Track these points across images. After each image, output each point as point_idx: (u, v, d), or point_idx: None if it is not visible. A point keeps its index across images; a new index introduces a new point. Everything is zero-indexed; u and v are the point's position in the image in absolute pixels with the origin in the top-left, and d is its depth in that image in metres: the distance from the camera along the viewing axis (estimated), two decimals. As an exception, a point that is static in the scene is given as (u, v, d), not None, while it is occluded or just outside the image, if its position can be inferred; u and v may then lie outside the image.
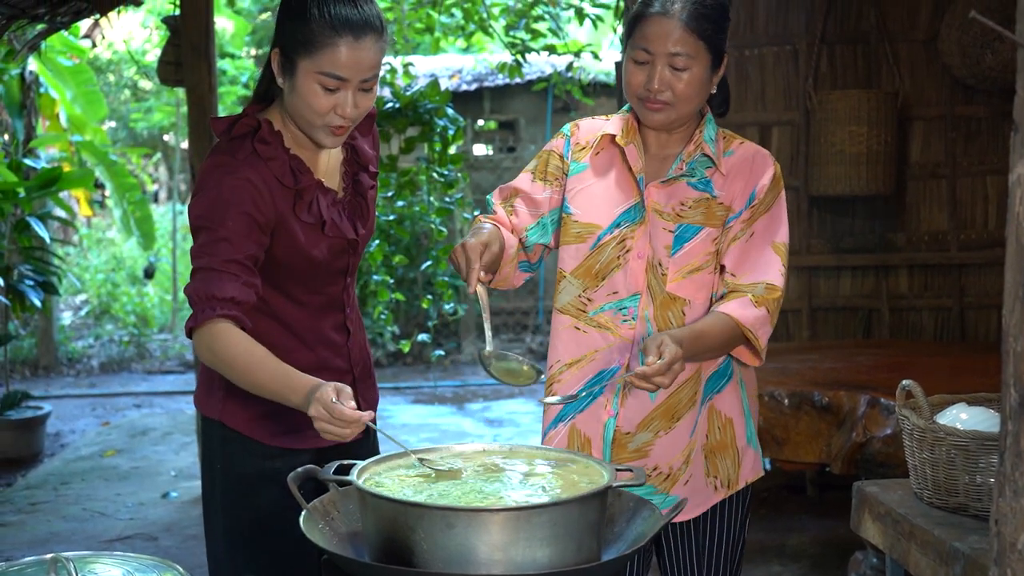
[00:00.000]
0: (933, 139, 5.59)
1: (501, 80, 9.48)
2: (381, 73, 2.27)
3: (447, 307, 6.15)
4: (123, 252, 12.17)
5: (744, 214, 2.25)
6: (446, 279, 6.09)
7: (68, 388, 8.71)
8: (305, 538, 1.72)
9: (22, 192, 6.70)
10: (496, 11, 7.56)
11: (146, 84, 13.03)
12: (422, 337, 6.67)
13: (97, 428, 7.32)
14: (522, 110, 10.11)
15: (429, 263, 6.12)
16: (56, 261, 7.42)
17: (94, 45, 10.01)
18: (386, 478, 1.82)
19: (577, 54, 7.30)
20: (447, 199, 5.92)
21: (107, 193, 10.29)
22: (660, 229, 2.25)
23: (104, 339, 10.26)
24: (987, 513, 2.01)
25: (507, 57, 7.37)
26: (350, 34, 2.05)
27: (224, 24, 10.98)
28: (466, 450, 1.95)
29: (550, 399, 2.13)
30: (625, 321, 2.27)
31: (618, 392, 2.27)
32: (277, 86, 2.16)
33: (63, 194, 8.13)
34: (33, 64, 7.90)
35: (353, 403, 1.85)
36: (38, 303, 6.52)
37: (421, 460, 1.87)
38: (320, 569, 1.85)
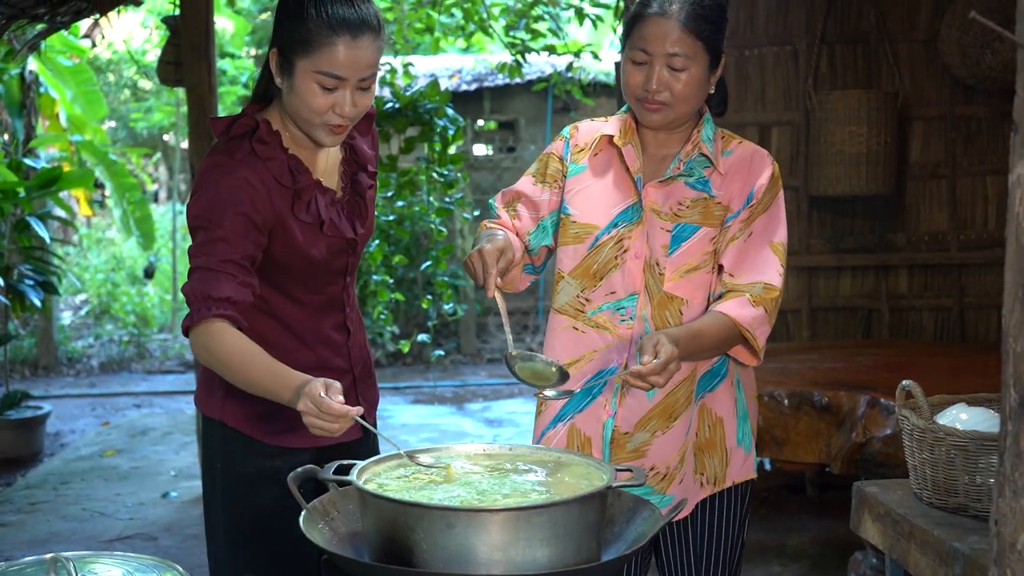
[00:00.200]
0: (933, 139, 5.59)
1: (501, 80, 9.47)
2: (381, 73, 2.28)
3: (447, 307, 6.14)
4: (123, 252, 12.17)
5: (742, 214, 2.25)
6: (446, 279, 6.09)
7: (68, 388, 8.71)
8: (305, 538, 1.72)
9: (22, 192, 6.70)
10: (496, 11, 7.56)
11: (146, 84, 13.03)
12: (422, 337, 6.67)
13: (97, 428, 7.32)
14: (522, 110, 10.10)
15: (429, 263, 6.12)
16: (56, 261, 7.42)
17: (94, 45, 10.01)
18: (386, 478, 1.82)
19: (577, 54, 7.30)
20: (447, 199, 5.92)
21: (107, 193, 10.29)
22: (657, 229, 2.25)
23: (104, 339, 10.25)
24: (987, 513, 2.01)
25: (507, 57, 7.37)
26: (348, 33, 2.06)
27: (224, 24, 10.98)
28: (465, 450, 1.95)
29: (548, 392, 2.13)
30: (623, 321, 2.27)
31: (616, 392, 2.27)
32: (276, 86, 2.16)
33: (63, 194, 8.13)
34: (33, 64, 7.90)
35: (342, 398, 1.85)
36: (38, 303, 6.52)
37: (410, 456, 1.87)
38: (320, 569, 1.85)
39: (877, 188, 5.36)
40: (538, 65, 9.11)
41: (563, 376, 2.09)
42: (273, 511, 2.21)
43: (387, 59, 6.99)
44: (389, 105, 5.55)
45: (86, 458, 6.50)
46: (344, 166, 2.31)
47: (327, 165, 2.27)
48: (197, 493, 5.20)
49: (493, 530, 1.61)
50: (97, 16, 5.18)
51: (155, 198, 15.46)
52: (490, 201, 2.46)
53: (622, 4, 5.79)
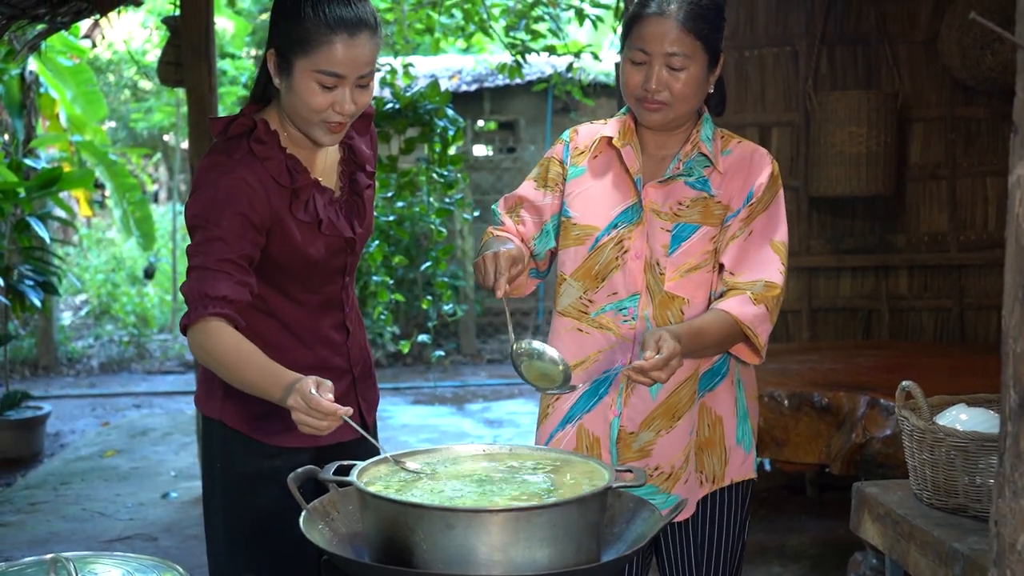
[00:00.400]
0: (933, 140, 5.59)
1: (501, 81, 9.48)
2: (381, 74, 2.28)
3: (446, 308, 6.14)
4: (123, 252, 12.17)
5: (742, 212, 2.25)
6: (446, 280, 6.09)
7: (68, 388, 8.71)
8: (305, 538, 1.72)
9: (22, 192, 6.71)
10: (496, 12, 7.56)
11: (146, 84, 13.03)
12: (422, 338, 6.67)
13: (97, 428, 7.32)
14: (522, 111, 10.10)
15: (429, 264, 6.11)
16: (56, 261, 7.42)
17: (94, 45, 10.00)
18: (386, 479, 1.82)
19: (577, 55, 7.30)
20: (447, 200, 5.92)
21: (107, 193, 10.29)
22: (657, 229, 2.26)
23: (104, 339, 10.26)
24: (986, 514, 2.01)
25: (507, 58, 7.37)
26: (345, 31, 2.06)
27: (224, 24, 10.98)
28: (466, 451, 1.95)
29: (551, 389, 2.13)
30: (625, 321, 2.27)
31: (621, 391, 2.28)
32: (274, 86, 2.16)
33: (63, 194, 8.13)
34: (33, 64, 7.90)
35: (332, 396, 1.85)
36: (38, 303, 6.52)
37: (396, 461, 1.87)
38: (320, 570, 1.85)
39: (877, 189, 5.36)
40: (538, 66, 9.11)
41: (568, 376, 2.09)
42: (273, 511, 2.21)
43: (387, 60, 7.00)
44: (389, 106, 5.54)
45: (86, 458, 6.50)
46: (342, 166, 2.31)
47: (325, 165, 2.28)
48: (197, 493, 5.20)
49: (493, 531, 1.61)
50: (97, 16, 5.18)
51: (155, 198, 15.46)
52: (493, 207, 2.47)
53: (622, 4, 5.79)
